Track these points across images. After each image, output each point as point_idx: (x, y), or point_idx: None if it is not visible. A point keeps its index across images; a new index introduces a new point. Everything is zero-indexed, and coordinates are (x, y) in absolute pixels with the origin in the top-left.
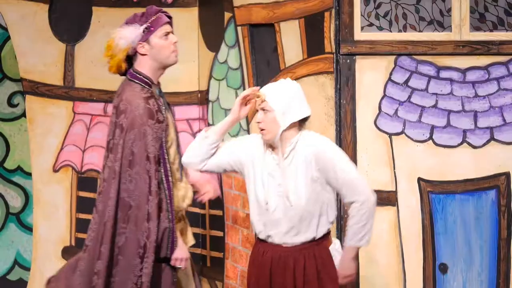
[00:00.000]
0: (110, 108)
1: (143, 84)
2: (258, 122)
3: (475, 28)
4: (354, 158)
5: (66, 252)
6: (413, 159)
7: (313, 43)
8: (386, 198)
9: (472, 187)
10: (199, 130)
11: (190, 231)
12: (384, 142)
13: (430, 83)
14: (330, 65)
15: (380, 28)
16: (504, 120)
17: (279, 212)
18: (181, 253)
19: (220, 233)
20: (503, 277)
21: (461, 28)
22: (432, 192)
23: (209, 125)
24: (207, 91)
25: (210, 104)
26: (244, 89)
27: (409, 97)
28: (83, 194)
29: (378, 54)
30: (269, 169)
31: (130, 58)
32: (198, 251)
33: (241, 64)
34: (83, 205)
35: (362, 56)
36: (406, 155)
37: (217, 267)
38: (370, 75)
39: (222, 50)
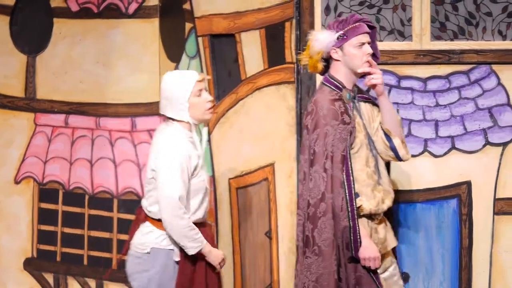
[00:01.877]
0: (71, 119)
1: (332, 87)
2: (210, 101)
3: (436, 37)
4: None
5: (28, 264)
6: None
7: (274, 53)
8: None
9: (433, 196)
10: None
11: (391, 232)
12: None
13: (391, 92)
14: (291, 75)
15: None
16: (465, 129)
17: None
18: (367, 252)
19: None
20: (465, 285)
21: (421, 37)
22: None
23: None
24: None
25: None
26: None
27: None
28: (44, 205)
29: None
30: None
31: (328, 61)
32: None
33: None
34: (45, 216)
35: None
36: None
37: None
38: None
39: (183, 61)
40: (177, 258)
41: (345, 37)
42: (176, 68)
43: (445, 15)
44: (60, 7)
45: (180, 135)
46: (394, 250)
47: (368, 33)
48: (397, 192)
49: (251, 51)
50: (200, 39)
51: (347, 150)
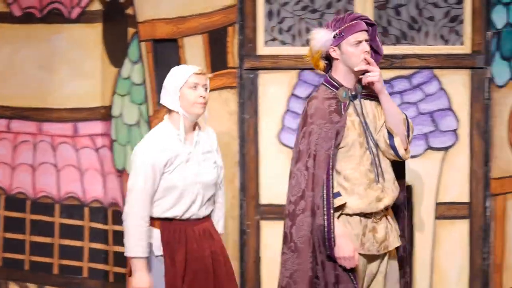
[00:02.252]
0: (14, 124)
1: (328, 86)
2: (203, 97)
3: None
4: (256, 172)
5: None
6: None
7: (217, 58)
8: None
9: None
10: (103, 146)
11: (395, 232)
12: (287, 156)
13: None
14: (234, 80)
15: (284, 43)
16: None
17: None
18: (341, 251)
19: (123, 249)
20: None
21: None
22: None
23: (112, 141)
24: (110, 107)
25: (114, 120)
26: (147, 105)
27: None
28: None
29: (281, 68)
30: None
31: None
32: (100, 266)
33: (144, 80)
34: (10, 224)
35: (265, 71)
36: None
37: (120, 282)
38: (273, 89)
39: (125, 66)
40: (159, 252)
41: (342, 35)
42: (119, 73)
43: (388, 20)
44: (3, 12)
45: (161, 131)
46: (402, 250)
47: (366, 30)
48: None
49: (194, 56)
50: (143, 44)
51: (331, 149)
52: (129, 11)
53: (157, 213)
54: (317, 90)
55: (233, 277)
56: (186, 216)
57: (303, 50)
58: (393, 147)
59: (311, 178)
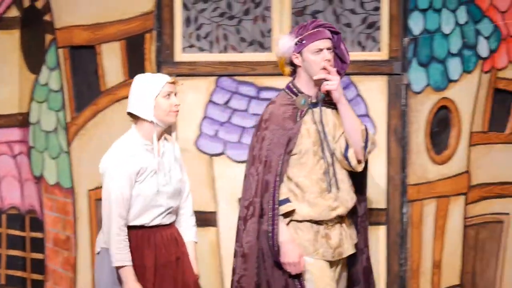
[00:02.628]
0: None
1: (288, 92)
2: (177, 105)
3: None
4: None
5: None
6: (233, 180)
7: (134, 65)
8: (207, 219)
9: None
10: (20, 153)
11: (350, 240)
12: (204, 163)
13: (251, 103)
14: None
15: (201, 49)
16: None
17: None
18: (286, 257)
19: (40, 256)
20: None
21: None
22: None
23: (30, 147)
24: (28, 113)
25: (31, 127)
26: (65, 111)
27: (230, 118)
28: None
29: (199, 75)
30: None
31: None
32: (18, 273)
33: (62, 86)
34: None
35: (183, 77)
36: (227, 175)
37: None
38: (191, 96)
39: (43, 72)
40: None
41: (303, 42)
42: (36, 80)
43: None
44: None
45: (129, 141)
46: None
47: (330, 38)
48: None
49: (111, 63)
50: (60, 50)
51: (282, 155)
52: (46, 17)
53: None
54: (277, 96)
55: (198, 284)
56: (153, 223)
57: (220, 57)
58: (346, 158)
59: (261, 184)
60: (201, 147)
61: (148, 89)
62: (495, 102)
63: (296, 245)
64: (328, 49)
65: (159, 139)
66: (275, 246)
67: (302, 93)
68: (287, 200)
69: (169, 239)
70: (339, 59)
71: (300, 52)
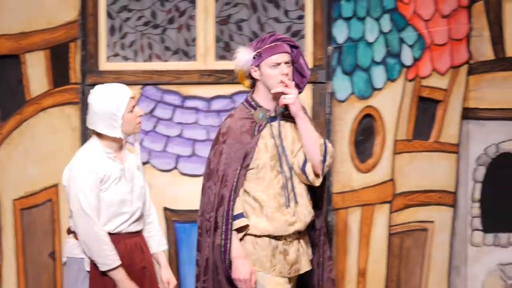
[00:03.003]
0: None
1: (246, 105)
2: (141, 116)
3: (220, 57)
4: None
5: None
6: (158, 189)
7: (59, 74)
8: None
9: None
10: None
11: (306, 256)
12: None
13: (176, 112)
14: (76, 95)
15: (126, 58)
16: None
17: None
18: (237, 273)
19: None
20: None
21: (206, 57)
22: (178, 221)
23: None
24: None
25: None
26: None
27: (155, 126)
28: None
29: (124, 84)
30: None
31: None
32: None
33: None
34: None
35: None
36: (152, 184)
37: None
38: None
39: None
40: (89, 268)
41: (261, 56)
42: None
43: (229, 35)
44: None
45: (91, 150)
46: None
47: (288, 52)
48: (181, 212)
49: (36, 72)
50: None
51: (238, 170)
52: None
53: None
54: (235, 109)
55: None
56: (117, 230)
57: (145, 66)
58: (304, 172)
59: (216, 198)
60: None
61: (114, 107)
62: (419, 110)
63: (248, 261)
64: (286, 63)
65: (121, 148)
66: (226, 261)
67: (260, 106)
68: (241, 215)
69: (133, 247)
70: (298, 73)
71: (258, 66)
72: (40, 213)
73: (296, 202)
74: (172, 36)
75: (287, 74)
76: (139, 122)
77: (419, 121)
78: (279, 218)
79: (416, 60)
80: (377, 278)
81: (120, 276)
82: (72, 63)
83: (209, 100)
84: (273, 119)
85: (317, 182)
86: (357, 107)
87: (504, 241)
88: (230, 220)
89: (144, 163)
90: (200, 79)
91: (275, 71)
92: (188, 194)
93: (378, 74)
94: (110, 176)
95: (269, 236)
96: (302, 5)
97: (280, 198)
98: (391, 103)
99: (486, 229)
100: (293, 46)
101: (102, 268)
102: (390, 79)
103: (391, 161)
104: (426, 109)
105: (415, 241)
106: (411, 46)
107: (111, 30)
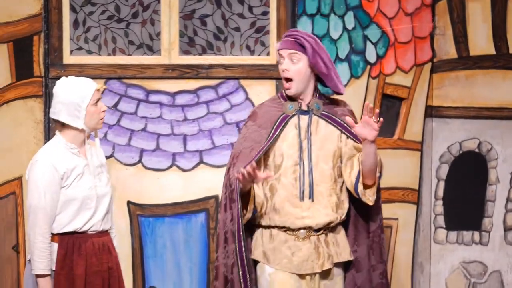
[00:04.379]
0: None
1: (278, 95)
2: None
3: (184, 52)
4: None
5: None
6: (122, 183)
7: (22, 67)
8: None
9: (182, 210)
10: None
11: (327, 255)
12: None
13: (140, 106)
14: (39, 88)
15: (90, 52)
16: (213, 143)
17: None
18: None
19: None
20: None
21: (170, 52)
22: (142, 215)
23: None
24: None
25: None
26: None
27: (119, 120)
28: None
29: (88, 77)
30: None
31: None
32: None
33: None
34: None
35: None
36: (116, 178)
37: None
38: None
39: None
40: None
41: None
42: None
43: (194, 30)
44: None
45: (54, 145)
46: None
47: (289, 48)
48: (145, 206)
49: None
50: None
51: (252, 148)
52: None
53: (56, 229)
54: (268, 99)
55: None
56: (85, 228)
57: (109, 60)
58: (357, 193)
59: (227, 176)
60: None
61: (78, 97)
62: (383, 107)
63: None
64: (289, 57)
65: (84, 143)
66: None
67: (292, 100)
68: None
69: (100, 247)
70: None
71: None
72: (2, 206)
73: (311, 199)
74: (136, 30)
75: (286, 70)
76: (102, 118)
77: (383, 119)
78: (287, 209)
79: (380, 57)
80: None
81: (43, 285)
82: (35, 56)
83: (173, 94)
84: (304, 112)
85: (370, 202)
86: None
87: (467, 239)
88: (238, 201)
89: (108, 157)
90: (164, 73)
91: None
92: (152, 188)
93: (342, 71)
94: (73, 171)
95: (276, 227)
96: (266, 1)
97: (294, 190)
98: (355, 100)
99: (449, 227)
100: (301, 44)
101: (32, 270)
102: (354, 76)
103: None
104: (390, 107)
105: None
106: (375, 44)
107: (75, 24)
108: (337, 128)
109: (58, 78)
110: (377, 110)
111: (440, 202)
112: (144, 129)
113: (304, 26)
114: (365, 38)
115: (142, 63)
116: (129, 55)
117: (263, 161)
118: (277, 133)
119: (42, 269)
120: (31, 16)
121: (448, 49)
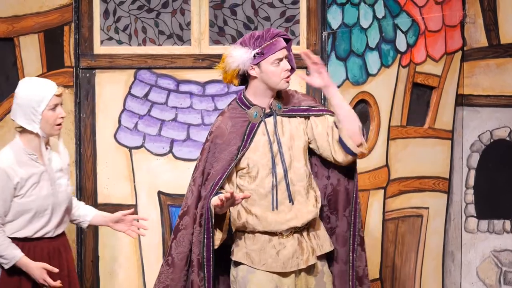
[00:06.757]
0: None
1: (240, 104)
2: (63, 117)
3: (214, 41)
4: (94, 172)
5: None
6: (153, 173)
7: (53, 57)
8: None
9: None
10: None
11: (310, 250)
12: (124, 156)
13: (170, 96)
14: (70, 79)
15: (120, 42)
16: None
17: None
18: None
19: None
20: None
21: (200, 41)
22: (172, 205)
23: None
24: None
25: None
26: None
27: (149, 110)
28: None
29: (118, 68)
30: None
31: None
32: None
33: None
34: None
35: (102, 70)
36: (146, 168)
37: None
38: (110, 89)
39: None
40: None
41: (263, 54)
42: None
43: (224, 20)
44: None
45: (11, 151)
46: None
47: (286, 47)
48: (175, 196)
49: (30, 55)
50: None
51: (223, 170)
52: None
53: (6, 233)
54: (228, 106)
55: None
56: (37, 235)
57: (139, 50)
58: (342, 143)
59: (196, 196)
60: (120, 140)
61: (35, 101)
62: (414, 96)
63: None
64: (285, 57)
65: (45, 148)
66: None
67: (254, 105)
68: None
69: (50, 252)
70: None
71: (257, 64)
72: None
73: (291, 201)
74: (167, 20)
75: (289, 70)
76: (59, 124)
77: (413, 107)
78: (269, 217)
79: (410, 46)
80: (371, 264)
81: (24, 264)
82: (66, 47)
83: (204, 84)
84: (267, 116)
85: (361, 150)
86: (351, 93)
87: (498, 228)
88: (210, 219)
89: (138, 147)
90: (194, 63)
91: (278, 68)
92: (182, 178)
93: (373, 60)
94: (27, 181)
95: (260, 232)
96: None
97: (271, 197)
98: (386, 89)
99: (480, 215)
100: (287, 40)
101: (4, 266)
102: (385, 65)
103: (386, 147)
104: (420, 96)
105: (410, 227)
106: (405, 32)
107: (105, 14)
108: (302, 116)
109: (88, 68)
110: (309, 52)
111: (471, 191)
112: (174, 119)
113: (334, 15)
114: (395, 26)
115: (172, 53)
116: (159, 45)
117: (236, 172)
118: (247, 145)
119: (13, 257)
120: (61, 6)
121: (478, 37)
